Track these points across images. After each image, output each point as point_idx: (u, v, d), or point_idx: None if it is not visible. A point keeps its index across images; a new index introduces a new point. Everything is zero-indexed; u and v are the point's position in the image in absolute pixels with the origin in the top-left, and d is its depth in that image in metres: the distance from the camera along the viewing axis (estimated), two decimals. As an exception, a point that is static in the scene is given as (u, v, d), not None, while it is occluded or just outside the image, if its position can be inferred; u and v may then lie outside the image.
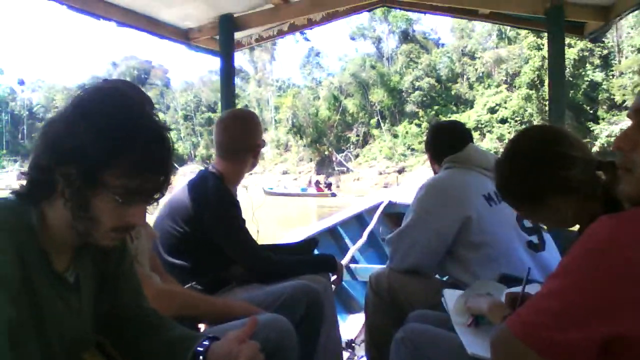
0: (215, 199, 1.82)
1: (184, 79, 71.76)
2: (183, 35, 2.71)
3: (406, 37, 48.15)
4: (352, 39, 50.99)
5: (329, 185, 34.31)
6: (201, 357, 1.06)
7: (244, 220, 1.88)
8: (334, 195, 31.30)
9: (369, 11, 2.84)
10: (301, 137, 47.01)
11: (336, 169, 44.33)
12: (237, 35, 2.71)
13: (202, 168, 2.01)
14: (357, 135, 46.03)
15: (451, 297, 1.44)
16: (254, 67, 52.66)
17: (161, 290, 1.43)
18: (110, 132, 0.88)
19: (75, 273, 1.03)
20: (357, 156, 44.98)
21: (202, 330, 1.58)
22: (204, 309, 1.53)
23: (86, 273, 1.07)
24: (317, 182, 34.92)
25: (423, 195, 1.89)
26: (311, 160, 46.47)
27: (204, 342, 1.08)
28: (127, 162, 0.89)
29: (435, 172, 2.05)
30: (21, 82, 68.77)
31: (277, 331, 1.32)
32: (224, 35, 2.62)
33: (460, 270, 1.77)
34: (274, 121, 51.04)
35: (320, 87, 50.98)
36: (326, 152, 46.04)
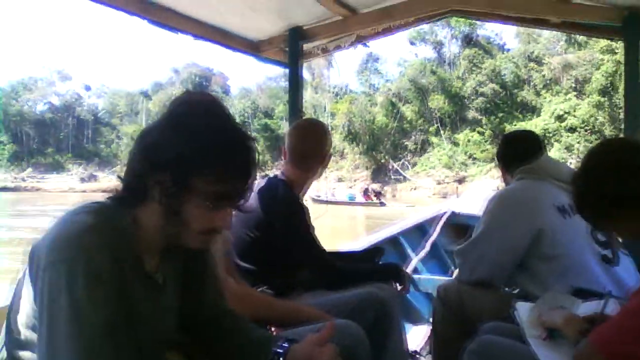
0: (285, 206, 1.90)
1: (242, 85, 73.82)
2: (253, 47, 2.86)
3: (469, 41, 47.27)
4: (412, 43, 50.52)
5: (377, 194, 32.53)
6: (281, 359, 1.11)
7: (312, 227, 1.96)
8: (382, 204, 29.88)
9: (436, 21, 2.88)
10: (357, 145, 46.93)
11: (392, 177, 43.93)
12: (304, 46, 2.84)
13: (262, 174, 2.09)
14: (415, 143, 45.44)
15: (523, 309, 1.46)
16: (311, 74, 53.38)
17: (236, 293, 1.49)
18: (202, 141, 0.96)
19: (162, 274, 1.11)
20: (414, 165, 44.40)
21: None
22: (276, 313, 1.60)
23: (172, 274, 1.15)
24: (366, 190, 33.15)
25: (494, 206, 1.92)
26: (367, 168, 46.22)
27: (284, 344, 1.13)
28: (217, 169, 0.96)
29: (506, 183, 2.07)
30: (87, 88, 72.92)
31: (351, 337, 1.35)
32: (293, 47, 2.76)
33: (531, 282, 1.77)
34: (330, 128, 51.32)
35: (378, 93, 50.79)
36: (382, 160, 45.74)
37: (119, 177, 1.06)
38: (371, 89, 52.13)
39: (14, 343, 1.02)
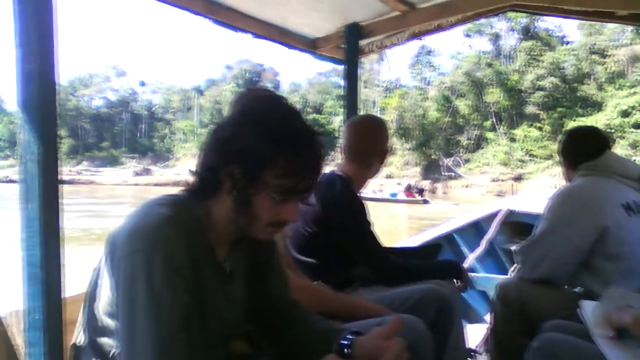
0: (344, 202, 1.93)
1: (292, 80, 74.47)
2: (310, 45, 2.93)
3: (527, 33, 45.67)
4: (467, 36, 49.29)
5: (420, 191, 30.61)
6: (346, 350, 1.11)
7: (370, 223, 1.99)
8: (425, 202, 28.43)
9: (495, 15, 2.86)
10: (407, 140, 46.18)
11: (444, 174, 42.93)
12: (361, 42, 2.87)
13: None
14: (469, 139, 44.30)
15: (589, 308, 1.46)
16: (361, 68, 53.04)
17: (297, 285, 1.51)
18: (272, 135, 1.00)
19: (231, 264, 1.16)
20: (467, 161, 43.30)
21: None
22: (336, 306, 1.63)
23: (239, 265, 1.19)
24: (408, 187, 31.04)
25: (558, 203, 1.92)
26: (417, 164, 45.44)
27: (348, 336, 1.14)
28: (286, 163, 1.00)
29: (569, 180, 2.05)
30: (142, 84, 75.70)
31: (414, 332, 1.36)
32: (350, 44, 2.80)
33: (595, 281, 1.77)
34: (381, 123, 50.78)
35: (430, 87, 49.84)
36: (433, 156, 44.83)
37: (190, 170, 1.11)
38: (423, 82, 51.16)
39: (93, 329, 1.09)
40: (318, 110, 55.85)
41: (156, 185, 52.35)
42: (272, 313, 1.29)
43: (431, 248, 2.58)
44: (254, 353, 1.30)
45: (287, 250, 1.81)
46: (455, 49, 48.14)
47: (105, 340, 1.07)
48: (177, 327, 0.94)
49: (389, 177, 43.89)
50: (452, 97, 46.10)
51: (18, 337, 1.34)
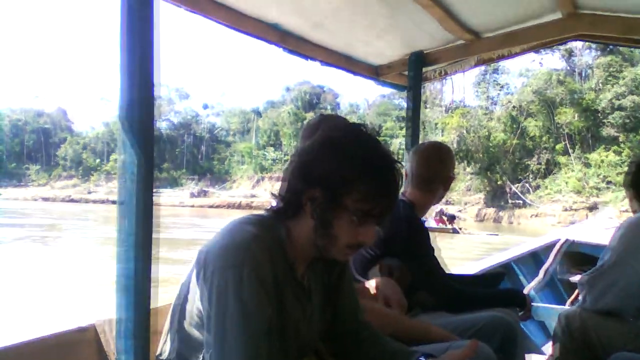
0: (408, 228, 2.01)
1: (351, 101, 74.93)
2: (373, 72, 3.11)
3: (604, 48, 43.78)
4: (537, 52, 47.90)
5: (451, 218, 27.23)
6: None
7: (433, 249, 2.06)
8: (455, 231, 26.05)
9: (561, 44, 2.90)
10: (469, 164, 44.74)
11: (510, 201, 40.95)
12: (424, 69, 3.02)
13: None
14: (539, 163, 42.27)
15: None
16: (423, 87, 52.62)
17: (365, 308, 1.54)
18: (354, 161, 1.09)
19: (308, 283, 1.25)
20: (537, 188, 41.27)
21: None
22: (402, 329, 1.67)
23: (316, 284, 1.28)
24: (441, 212, 27.08)
25: (624, 233, 1.95)
26: (480, 190, 43.76)
27: (421, 358, 1.23)
28: (366, 188, 1.09)
29: (635, 211, 2.07)
30: (205, 106, 78.37)
31: (481, 358, 1.37)
32: (413, 71, 2.94)
33: None
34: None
35: (496, 106, 48.41)
36: (499, 182, 43.19)
37: (272, 193, 1.24)
38: (489, 101, 49.85)
39: (181, 340, 1.19)
40: (377, 132, 55.42)
41: (211, 207, 53.83)
42: (344, 332, 1.37)
43: (493, 276, 2.62)
44: None
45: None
46: (524, 65, 46.32)
47: (190, 352, 1.17)
48: (263, 336, 1.04)
49: (448, 203, 42.79)
50: (520, 117, 44.34)
51: (110, 344, 1.47)
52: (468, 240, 23.58)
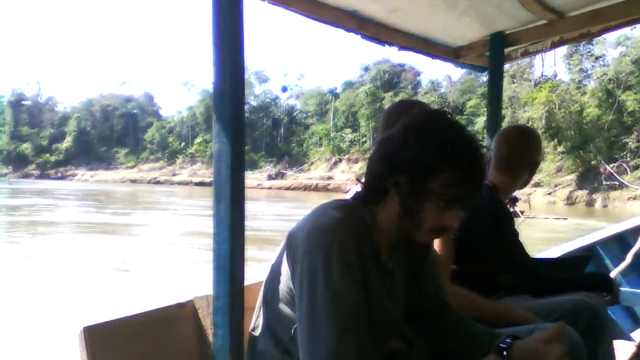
0: (490, 211, 2.02)
1: (432, 78, 72.49)
2: (452, 54, 3.11)
3: None
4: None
5: (513, 201, 24.64)
6: (504, 353, 1.19)
7: (517, 233, 2.08)
8: (515, 215, 23.41)
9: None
10: (559, 142, 41.95)
11: (604, 183, 38.03)
12: (506, 50, 2.98)
13: None
14: (638, 141, 39.20)
15: None
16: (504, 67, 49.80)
17: (449, 290, 1.58)
18: (439, 147, 1.11)
19: (392, 265, 1.29)
20: (635, 168, 38.19)
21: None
22: (486, 311, 1.70)
23: (399, 266, 1.32)
24: None
25: None
26: (572, 171, 41.04)
27: (507, 339, 1.21)
28: (452, 174, 1.12)
29: None
30: (284, 89, 79.55)
31: (566, 342, 1.34)
32: (494, 53, 2.92)
33: None
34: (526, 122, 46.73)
35: (589, 80, 44.90)
36: (592, 162, 40.24)
37: (357, 179, 1.30)
38: (581, 74, 46.43)
39: (272, 315, 1.27)
40: (459, 110, 53.10)
41: (287, 189, 54.90)
42: (428, 314, 1.41)
43: (579, 260, 2.59)
44: (407, 350, 1.44)
45: None
46: (622, 32, 42.14)
47: (280, 327, 1.24)
48: (351, 317, 1.08)
49: (537, 185, 40.55)
50: (616, 90, 40.81)
51: (207, 319, 1.55)
52: (529, 225, 22.68)
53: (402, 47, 2.96)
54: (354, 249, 1.13)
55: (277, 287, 1.23)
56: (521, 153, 2.14)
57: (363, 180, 1.26)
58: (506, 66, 2.95)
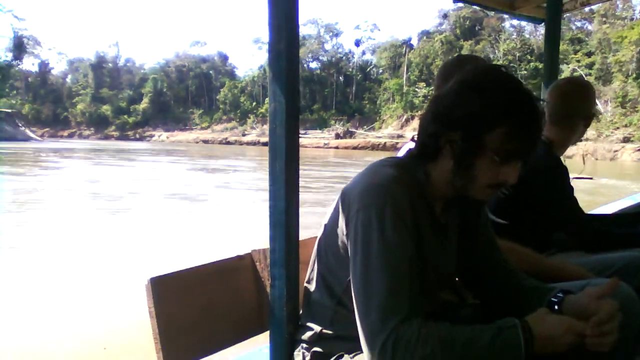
0: (546, 166, 2.02)
1: (517, 23, 67.90)
2: (508, 5, 3.04)
3: None
4: None
5: None
6: (556, 307, 1.21)
7: (572, 188, 2.07)
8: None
9: None
10: None
11: None
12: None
13: None
14: None
15: None
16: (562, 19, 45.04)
17: (504, 247, 1.58)
18: (497, 101, 1.11)
19: (445, 220, 1.32)
20: None
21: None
22: (539, 267, 1.70)
23: (453, 222, 1.36)
24: None
25: None
26: None
27: (558, 294, 1.23)
28: (509, 128, 1.11)
29: None
30: (357, 43, 77.56)
31: (620, 296, 1.32)
32: (552, 3, 2.85)
33: None
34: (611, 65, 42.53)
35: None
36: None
37: (412, 138, 1.30)
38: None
39: (324, 268, 1.33)
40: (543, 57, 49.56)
41: (355, 148, 53.96)
42: (481, 268, 1.43)
43: (634, 216, 2.55)
44: (459, 302, 1.50)
45: None
46: None
47: (334, 280, 1.30)
48: (405, 269, 1.12)
49: (626, 140, 37.58)
50: None
51: (264, 272, 1.63)
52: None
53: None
54: (407, 205, 1.16)
55: (331, 243, 1.29)
56: (577, 105, 2.14)
57: (416, 138, 1.28)
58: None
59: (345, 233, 1.21)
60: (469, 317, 1.39)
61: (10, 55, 72.29)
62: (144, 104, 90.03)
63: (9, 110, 66.58)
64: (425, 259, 1.23)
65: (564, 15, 3.01)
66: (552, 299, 1.24)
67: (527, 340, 1.07)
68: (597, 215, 2.55)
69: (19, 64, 79.61)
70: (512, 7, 3.03)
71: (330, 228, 1.29)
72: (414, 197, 1.19)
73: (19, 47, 73.46)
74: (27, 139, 61.60)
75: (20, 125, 67.34)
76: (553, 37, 2.89)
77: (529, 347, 1.06)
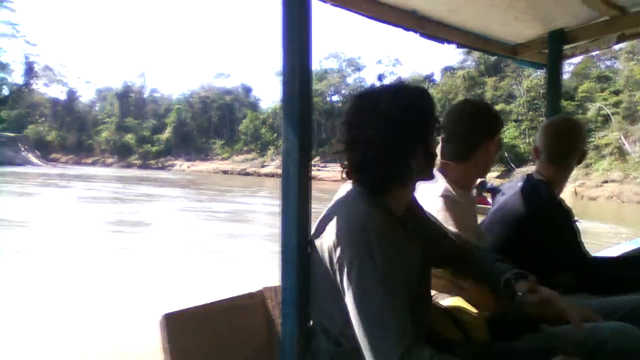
0: (551, 211, 2.08)
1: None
2: (511, 51, 3.19)
3: None
4: None
5: (493, 191, 16.02)
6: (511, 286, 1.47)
7: (576, 230, 2.13)
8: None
9: None
10: None
11: None
12: (564, 47, 3.02)
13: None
14: None
15: None
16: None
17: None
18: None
19: (412, 227, 1.48)
20: None
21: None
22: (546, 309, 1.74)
23: (414, 227, 1.50)
24: (481, 184, 16.31)
25: None
26: None
27: (514, 275, 1.48)
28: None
29: None
30: (380, 78, 76.46)
31: (630, 340, 1.40)
32: (553, 50, 2.99)
33: None
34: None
35: None
36: None
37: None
38: None
39: (317, 311, 1.43)
40: (569, 95, 48.03)
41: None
42: (450, 255, 1.67)
43: (639, 259, 2.59)
44: (465, 341, 1.58)
45: None
46: None
47: (329, 322, 1.38)
48: (402, 298, 1.24)
49: None
50: None
51: (275, 310, 1.66)
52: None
53: (461, 45, 3.10)
54: (387, 230, 1.29)
55: (322, 288, 1.37)
56: (573, 143, 2.20)
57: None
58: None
59: (335, 275, 1.29)
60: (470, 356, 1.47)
61: (21, 80, 74.31)
62: (167, 133, 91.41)
63: (12, 135, 67.11)
64: (411, 267, 1.35)
65: (566, 61, 3.13)
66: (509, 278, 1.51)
67: None
68: (602, 257, 2.60)
69: (29, 89, 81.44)
70: (514, 53, 3.16)
71: (319, 273, 1.37)
72: (388, 220, 1.33)
73: (29, 73, 75.62)
74: (25, 163, 61.84)
75: (23, 149, 67.86)
76: (554, 82, 3.01)
77: None
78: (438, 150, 1.74)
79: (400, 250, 1.29)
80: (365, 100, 1.40)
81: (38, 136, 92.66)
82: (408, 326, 1.19)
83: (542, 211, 2.07)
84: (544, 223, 2.05)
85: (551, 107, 3.00)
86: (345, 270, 1.24)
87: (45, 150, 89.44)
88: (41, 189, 26.27)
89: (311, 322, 1.47)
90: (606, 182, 38.16)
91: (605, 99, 44.38)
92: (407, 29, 2.88)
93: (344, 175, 1.46)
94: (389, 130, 1.33)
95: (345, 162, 1.43)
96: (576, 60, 51.49)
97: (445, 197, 1.82)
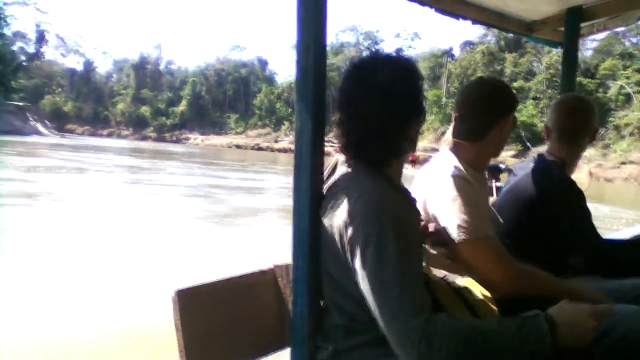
0: (564, 191, 2.05)
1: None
2: (526, 28, 3.12)
3: None
4: None
5: (495, 171, 6.28)
6: None
7: (589, 212, 2.07)
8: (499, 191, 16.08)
9: None
10: None
11: None
12: (582, 24, 2.96)
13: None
14: None
15: None
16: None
17: (522, 271, 1.68)
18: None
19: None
20: None
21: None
22: (557, 291, 1.68)
23: None
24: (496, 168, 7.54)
25: None
26: None
27: None
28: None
29: None
30: (397, 52, 77.47)
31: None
32: (570, 28, 2.92)
33: None
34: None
35: None
36: None
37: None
38: None
39: (330, 287, 1.41)
40: (590, 73, 47.10)
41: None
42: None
43: None
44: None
45: (498, 236, 1.83)
46: None
47: (343, 299, 1.37)
48: (419, 267, 1.28)
49: None
50: None
51: (286, 288, 1.66)
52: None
53: (476, 21, 3.04)
54: (392, 203, 1.30)
55: (335, 262, 1.35)
56: (585, 122, 2.18)
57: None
58: None
59: (346, 253, 1.29)
60: None
61: (32, 48, 74.11)
62: (182, 106, 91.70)
63: (21, 104, 66.82)
64: (420, 245, 1.39)
65: (582, 39, 3.06)
66: None
67: (550, 328, 1.17)
68: (614, 240, 2.57)
69: (41, 59, 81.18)
70: (530, 30, 3.10)
71: (331, 251, 1.36)
72: (396, 194, 1.35)
73: (40, 41, 75.18)
74: (32, 133, 61.72)
75: (32, 119, 67.83)
76: (570, 61, 2.97)
77: (553, 336, 1.16)
78: (450, 130, 1.70)
79: (411, 223, 1.31)
80: (364, 71, 1.39)
81: (55, 107, 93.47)
82: (426, 296, 1.21)
83: (553, 193, 2.04)
84: (554, 205, 2.03)
85: (566, 86, 2.95)
86: (359, 248, 1.24)
87: (61, 121, 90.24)
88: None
89: (322, 302, 1.47)
90: (624, 163, 37.68)
91: (628, 77, 43.39)
92: (423, 4, 2.83)
93: (339, 151, 1.46)
94: (389, 105, 1.34)
95: (342, 138, 1.42)
96: (600, 36, 50.47)
97: (456, 176, 1.78)
